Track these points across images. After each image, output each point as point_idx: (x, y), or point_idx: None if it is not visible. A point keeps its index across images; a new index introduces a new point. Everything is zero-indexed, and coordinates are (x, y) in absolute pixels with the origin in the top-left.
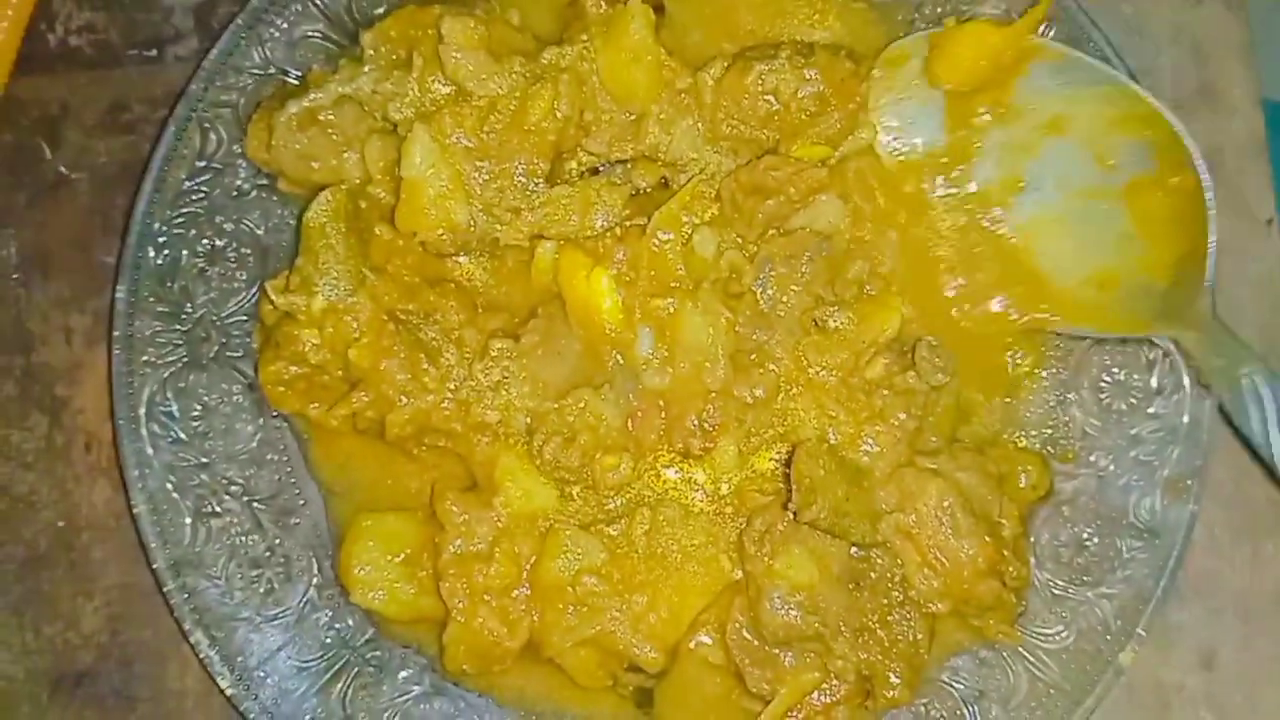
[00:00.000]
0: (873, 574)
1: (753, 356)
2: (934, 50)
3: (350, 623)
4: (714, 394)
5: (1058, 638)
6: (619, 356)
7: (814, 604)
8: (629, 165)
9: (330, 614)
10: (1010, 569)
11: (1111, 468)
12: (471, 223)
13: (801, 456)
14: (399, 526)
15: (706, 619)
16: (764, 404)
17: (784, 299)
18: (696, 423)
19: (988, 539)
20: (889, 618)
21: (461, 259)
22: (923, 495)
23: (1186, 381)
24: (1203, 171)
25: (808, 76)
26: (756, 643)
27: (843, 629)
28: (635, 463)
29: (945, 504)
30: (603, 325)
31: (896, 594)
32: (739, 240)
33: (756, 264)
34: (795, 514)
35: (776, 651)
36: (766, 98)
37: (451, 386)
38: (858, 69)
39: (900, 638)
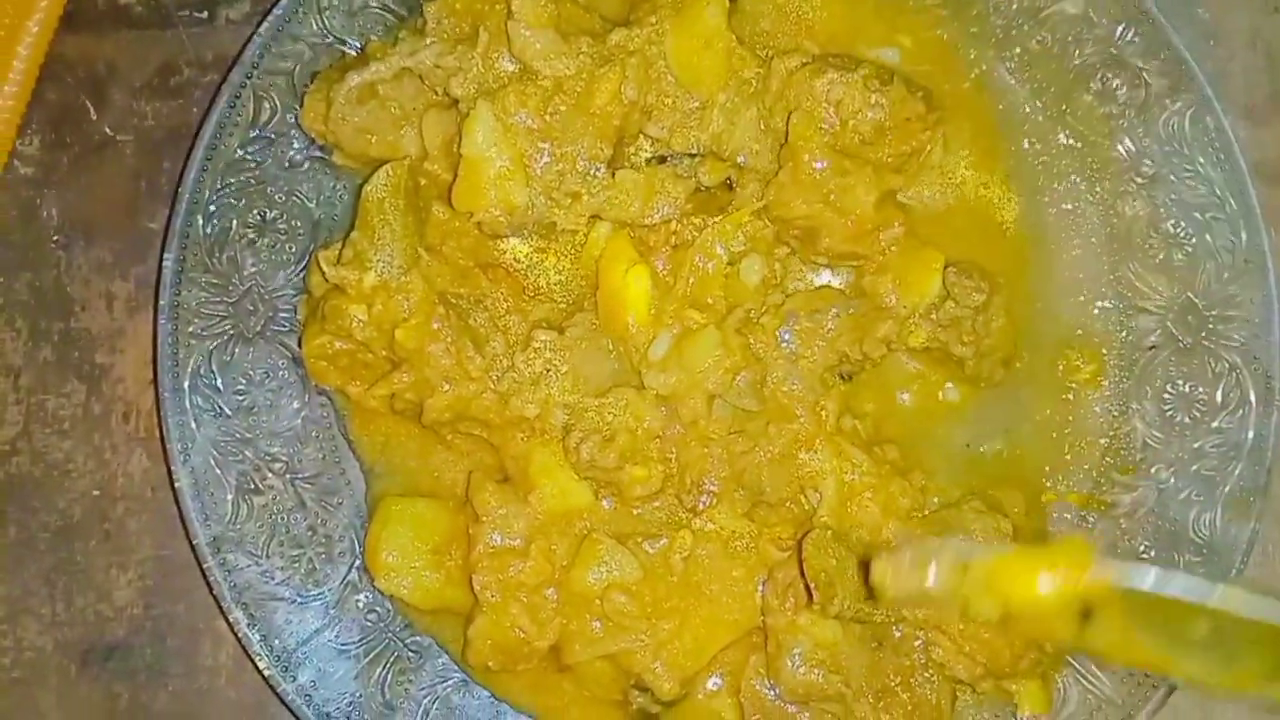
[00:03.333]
0: (896, 633)
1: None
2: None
3: (390, 606)
4: (713, 443)
5: None
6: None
7: (836, 663)
8: (696, 159)
9: (370, 596)
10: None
11: (1172, 481)
12: (530, 205)
13: (810, 551)
14: (429, 513)
15: (725, 659)
16: (779, 462)
17: (807, 353)
18: (692, 483)
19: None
20: (911, 680)
21: (513, 240)
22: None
23: (1252, 396)
24: None
25: (874, 102)
26: (771, 696)
27: (865, 690)
28: (665, 479)
29: None
30: (627, 320)
31: (919, 656)
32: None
33: (781, 315)
34: (821, 608)
35: (792, 709)
36: (828, 106)
37: (494, 376)
38: (926, 115)
39: (923, 700)
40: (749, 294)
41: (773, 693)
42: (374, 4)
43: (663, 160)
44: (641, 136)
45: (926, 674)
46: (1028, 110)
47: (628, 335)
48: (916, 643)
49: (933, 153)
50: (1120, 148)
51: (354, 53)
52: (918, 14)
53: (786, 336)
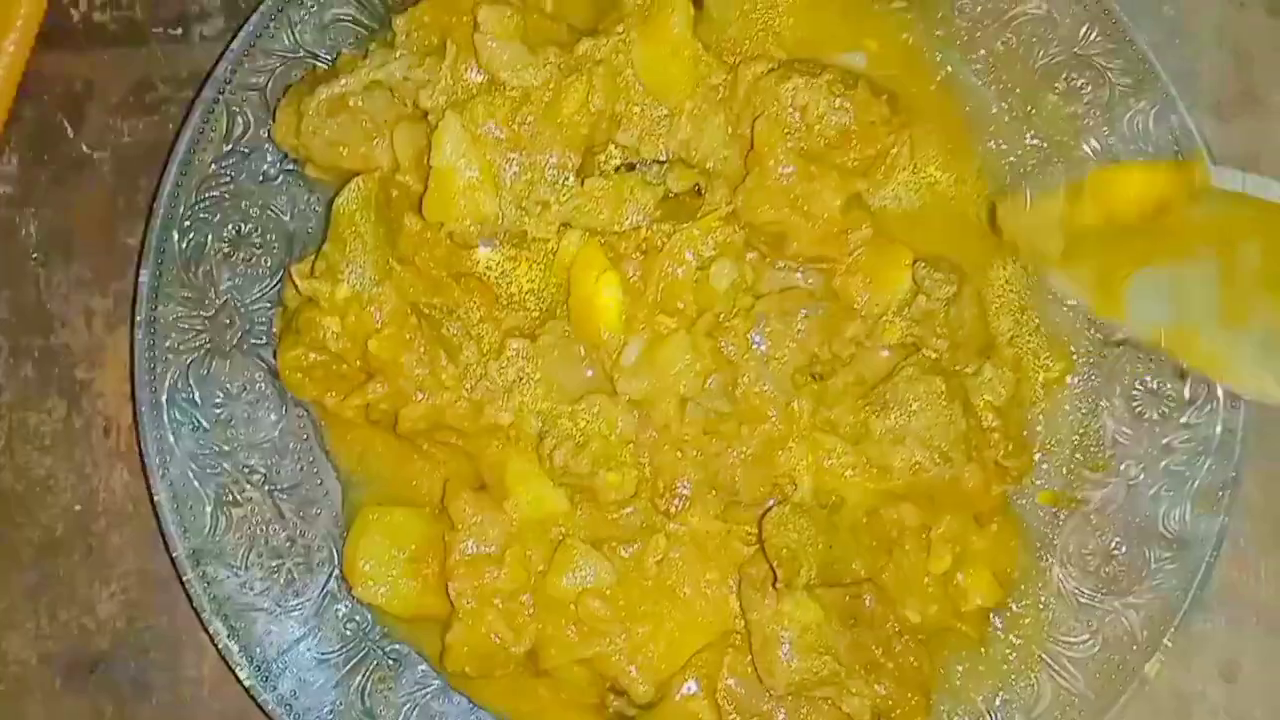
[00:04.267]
0: (866, 606)
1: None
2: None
3: (369, 615)
4: (686, 445)
5: (1083, 646)
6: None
7: (824, 643)
8: (664, 166)
9: (349, 605)
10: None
11: (1142, 477)
12: (500, 214)
13: (770, 530)
14: (405, 521)
15: (701, 661)
16: (753, 463)
17: (778, 354)
18: (665, 486)
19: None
20: (894, 648)
21: (484, 249)
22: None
23: (1220, 392)
24: None
25: (839, 105)
26: (744, 693)
27: (855, 666)
28: (638, 484)
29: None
30: (598, 327)
31: (892, 624)
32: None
33: (751, 318)
34: (786, 585)
35: (768, 706)
36: (793, 111)
37: (468, 385)
38: (891, 119)
39: (906, 666)
40: (719, 298)
41: (745, 691)
42: (345, 17)
43: (631, 168)
44: (611, 145)
45: (903, 640)
46: (994, 111)
47: (600, 342)
48: (887, 611)
49: (899, 155)
50: (1086, 147)
51: (325, 66)
52: (883, 18)
53: (757, 339)
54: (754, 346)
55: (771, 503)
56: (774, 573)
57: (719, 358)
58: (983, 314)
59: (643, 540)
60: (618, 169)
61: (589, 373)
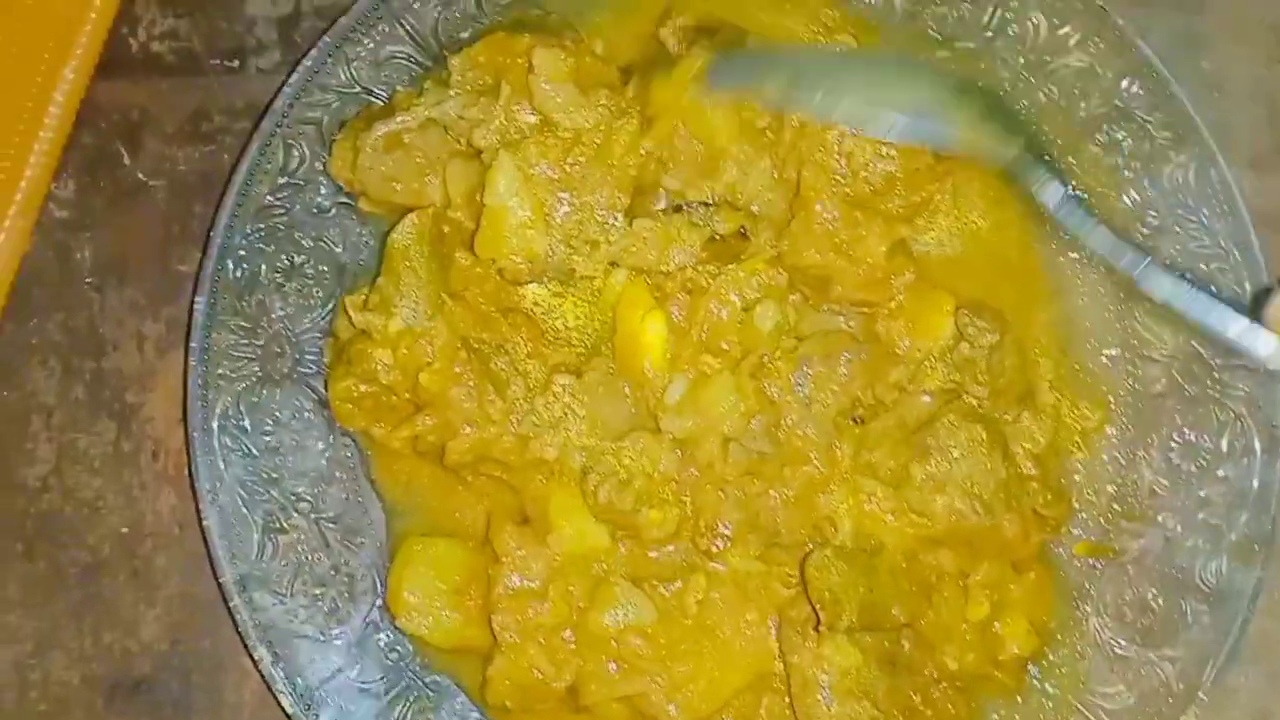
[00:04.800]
0: (905, 651)
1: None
2: None
3: (410, 646)
4: (729, 485)
5: (1119, 698)
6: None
7: (864, 689)
8: (711, 208)
9: (391, 635)
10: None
11: (1179, 529)
12: (550, 253)
13: (812, 573)
14: (449, 553)
15: (739, 702)
16: (794, 504)
17: (820, 397)
18: (706, 526)
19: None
20: (932, 695)
21: (533, 286)
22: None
23: (1257, 445)
24: None
25: (885, 153)
26: None
27: (894, 713)
28: (680, 522)
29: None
30: (643, 365)
31: (930, 671)
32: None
33: (794, 360)
34: (828, 628)
35: None
36: (840, 159)
37: (515, 420)
38: (935, 166)
39: (944, 713)
40: (763, 340)
41: None
42: (399, 55)
43: (678, 209)
44: (660, 187)
45: (941, 687)
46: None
47: (644, 379)
48: (924, 656)
49: (942, 201)
50: (1126, 199)
51: (381, 102)
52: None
53: (800, 381)
54: (797, 389)
55: (811, 546)
56: (816, 615)
57: (762, 399)
58: (1023, 362)
59: (684, 579)
60: (665, 210)
61: (633, 410)
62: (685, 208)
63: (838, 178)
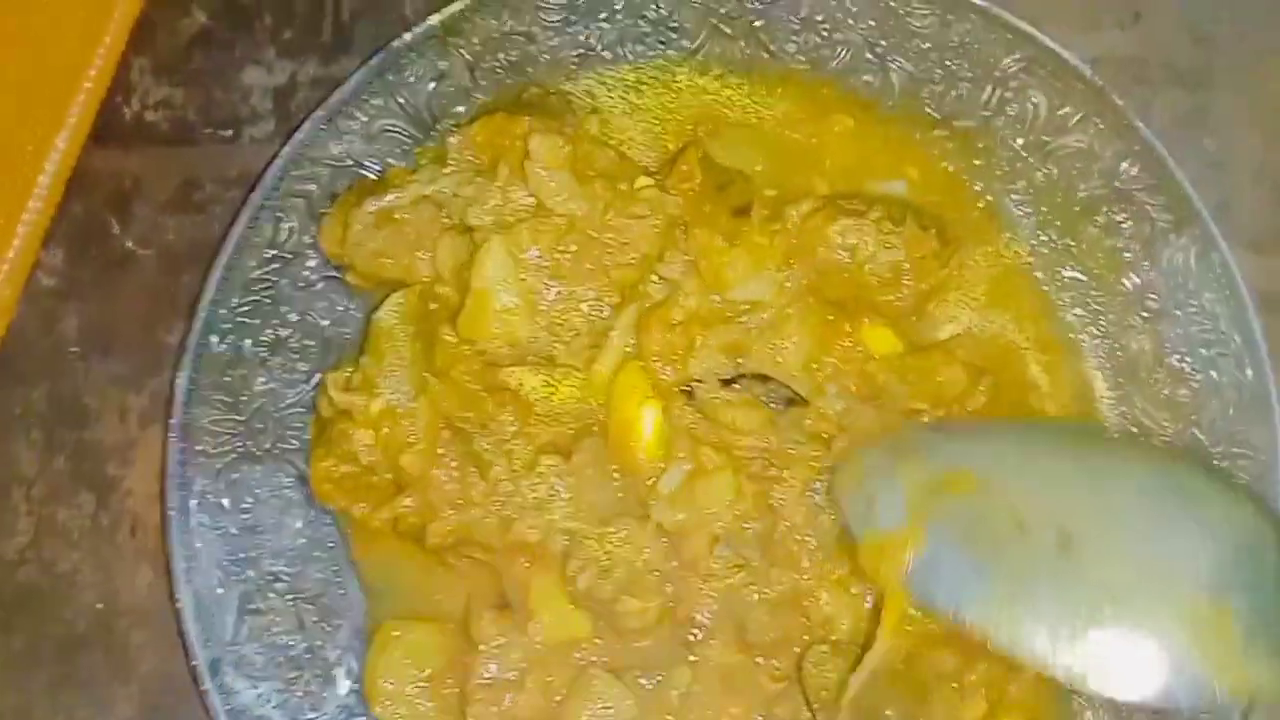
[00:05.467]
0: None
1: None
2: None
3: None
4: (711, 580)
5: None
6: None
7: None
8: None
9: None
10: None
11: None
12: (532, 339)
13: (809, 670)
14: (427, 639)
15: None
16: (777, 605)
17: (832, 511)
18: (685, 616)
19: None
20: None
21: (520, 370)
22: None
23: None
24: None
25: (890, 244)
26: None
27: None
28: (661, 614)
29: None
30: (637, 453)
31: None
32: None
33: (816, 469)
34: None
35: None
36: (844, 253)
37: (498, 501)
38: (941, 251)
39: None
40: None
41: None
42: (392, 129)
43: (730, 383)
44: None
45: None
46: (1033, 244)
47: (637, 467)
48: None
49: (950, 287)
50: (1126, 281)
51: (372, 175)
52: (925, 146)
53: (817, 489)
54: (812, 496)
55: (807, 639)
56: (810, 711)
57: (761, 503)
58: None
59: (666, 671)
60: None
61: (620, 496)
62: (739, 382)
63: (843, 271)
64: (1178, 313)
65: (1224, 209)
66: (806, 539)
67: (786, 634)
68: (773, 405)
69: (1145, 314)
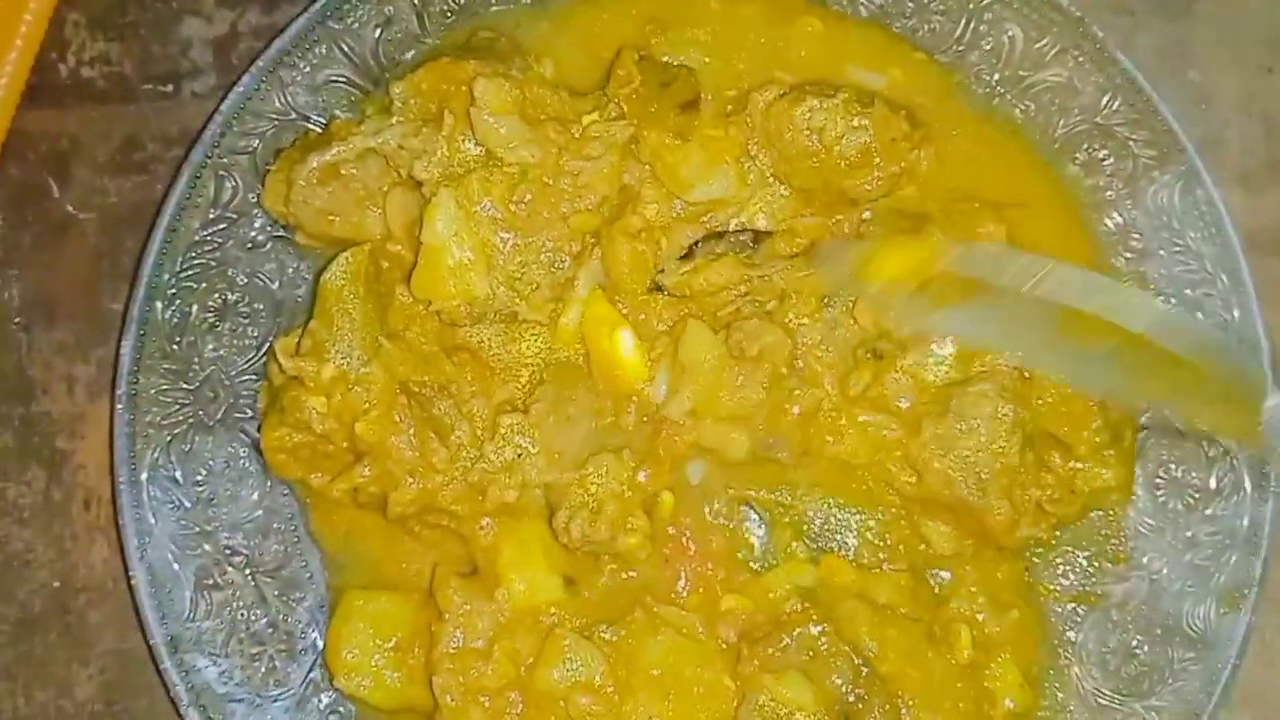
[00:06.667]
0: (869, 715)
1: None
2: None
3: (354, 709)
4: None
5: None
6: (638, 412)
7: None
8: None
9: (334, 696)
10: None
11: (1165, 571)
12: (491, 295)
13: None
14: (391, 608)
15: None
16: (801, 423)
17: (846, 322)
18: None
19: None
20: None
21: (478, 327)
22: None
23: (1247, 483)
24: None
25: (858, 125)
26: None
27: None
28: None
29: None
30: (625, 380)
31: None
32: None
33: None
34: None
35: None
36: (811, 135)
37: (462, 467)
38: (912, 134)
39: None
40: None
41: None
42: (339, 79)
43: (718, 236)
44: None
45: None
46: None
47: (634, 392)
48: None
49: (920, 167)
50: (1109, 221)
51: (318, 129)
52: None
53: (830, 307)
54: (825, 312)
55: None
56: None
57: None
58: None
59: (628, 625)
60: (696, 244)
61: (587, 431)
62: (696, 249)
63: (810, 157)
64: (1162, 253)
65: (1212, 145)
66: (826, 353)
67: (799, 450)
68: (743, 253)
69: (1129, 254)
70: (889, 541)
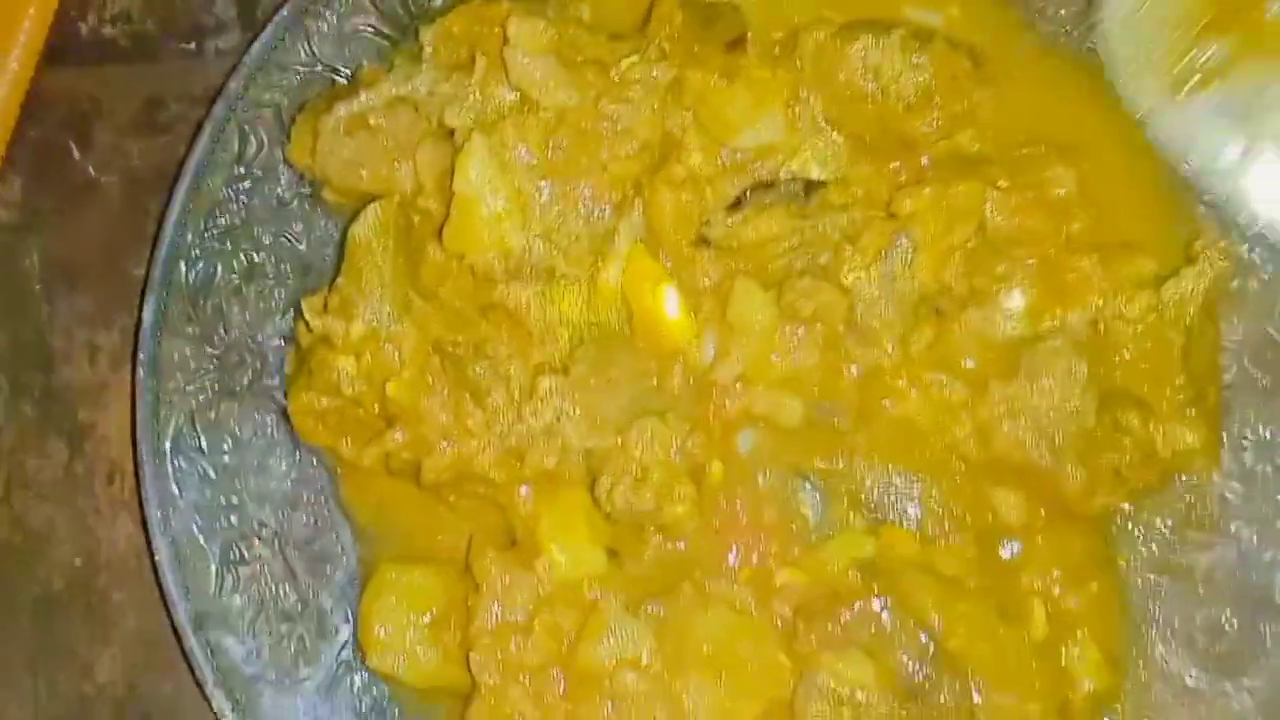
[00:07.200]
0: (936, 694)
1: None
2: None
3: (388, 689)
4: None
5: None
6: (684, 374)
7: (855, 707)
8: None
9: (367, 676)
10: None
11: (1254, 539)
12: (527, 248)
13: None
14: (426, 582)
15: None
16: (858, 386)
17: (904, 275)
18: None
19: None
20: None
21: (515, 285)
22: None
23: None
24: None
25: (916, 63)
26: None
27: None
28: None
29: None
30: (675, 342)
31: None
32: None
33: (887, 235)
34: None
35: None
36: (866, 76)
37: (500, 431)
38: (975, 71)
39: None
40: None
41: None
42: (366, 28)
43: (769, 186)
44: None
45: None
46: None
47: (680, 351)
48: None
49: (982, 108)
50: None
51: (345, 82)
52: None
53: (891, 256)
54: (883, 265)
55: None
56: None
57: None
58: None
59: (677, 599)
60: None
61: (630, 395)
62: (744, 201)
63: (866, 99)
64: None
65: None
66: (884, 311)
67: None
68: (795, 203)
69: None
70: (954, 511)
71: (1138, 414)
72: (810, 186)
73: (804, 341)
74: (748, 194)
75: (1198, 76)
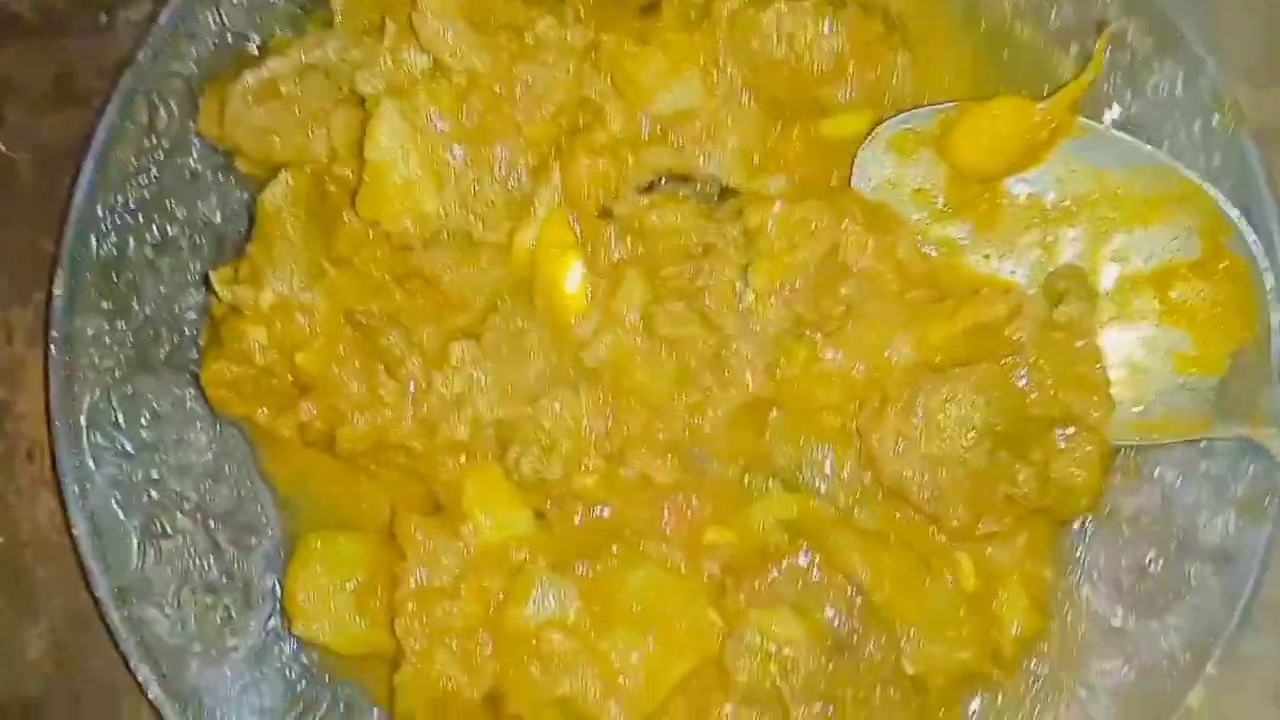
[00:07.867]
0: (863, 648)
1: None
2: (953, 129)
3: (317, 656)
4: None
5: (1117, 674)
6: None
7: (783, 662)
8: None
9: (296, 645)
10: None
11: (1178, 483)
12: (442, 214)
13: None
14: (351, 549)
15: (687, 689)
16: (733, 420)
17: (760, 310)
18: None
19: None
20: (869, 694)
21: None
22: None
23: None
24: (1256, 251)
25: (830, 29)
26: None
27: (809, 695)
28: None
29: None
30: (568, 314)
31: (886, 669)
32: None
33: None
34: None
35: None
36: (780, 42)
37: (414, 401)
38: (889, 36)
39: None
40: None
41: None
42: None
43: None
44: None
45: (889, 691)
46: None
47: (567, 325)
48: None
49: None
50: (1107, 116)
51: (257, 51)
52: None
53: (741, 289)
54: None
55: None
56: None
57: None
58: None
59: (605, 560)
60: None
61: (544, 366)
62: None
63: (781, 65)
64: (1166, 143)
65: (1212, 38)
66: (743, 348)
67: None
68: (705, 203)
69: None
70: (865, 482)
71: (1041, 447)
72: (725, 192)
73: (662, 364)
74: (663, 181)
75: None
